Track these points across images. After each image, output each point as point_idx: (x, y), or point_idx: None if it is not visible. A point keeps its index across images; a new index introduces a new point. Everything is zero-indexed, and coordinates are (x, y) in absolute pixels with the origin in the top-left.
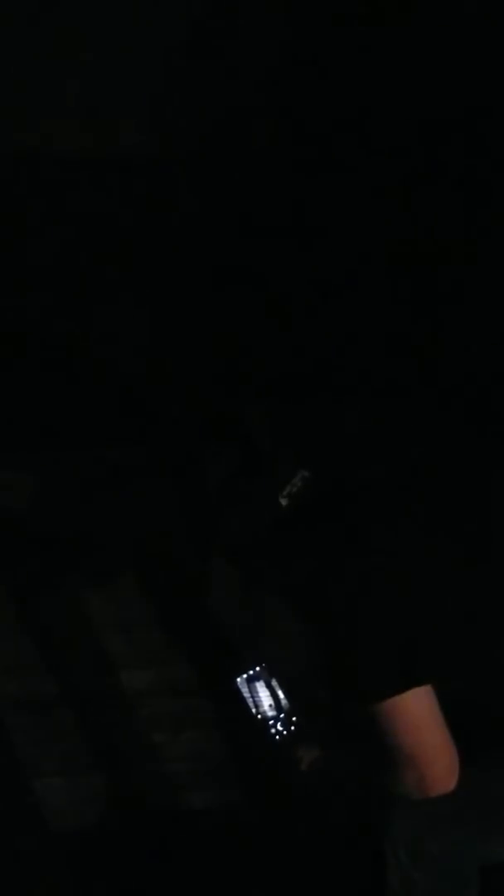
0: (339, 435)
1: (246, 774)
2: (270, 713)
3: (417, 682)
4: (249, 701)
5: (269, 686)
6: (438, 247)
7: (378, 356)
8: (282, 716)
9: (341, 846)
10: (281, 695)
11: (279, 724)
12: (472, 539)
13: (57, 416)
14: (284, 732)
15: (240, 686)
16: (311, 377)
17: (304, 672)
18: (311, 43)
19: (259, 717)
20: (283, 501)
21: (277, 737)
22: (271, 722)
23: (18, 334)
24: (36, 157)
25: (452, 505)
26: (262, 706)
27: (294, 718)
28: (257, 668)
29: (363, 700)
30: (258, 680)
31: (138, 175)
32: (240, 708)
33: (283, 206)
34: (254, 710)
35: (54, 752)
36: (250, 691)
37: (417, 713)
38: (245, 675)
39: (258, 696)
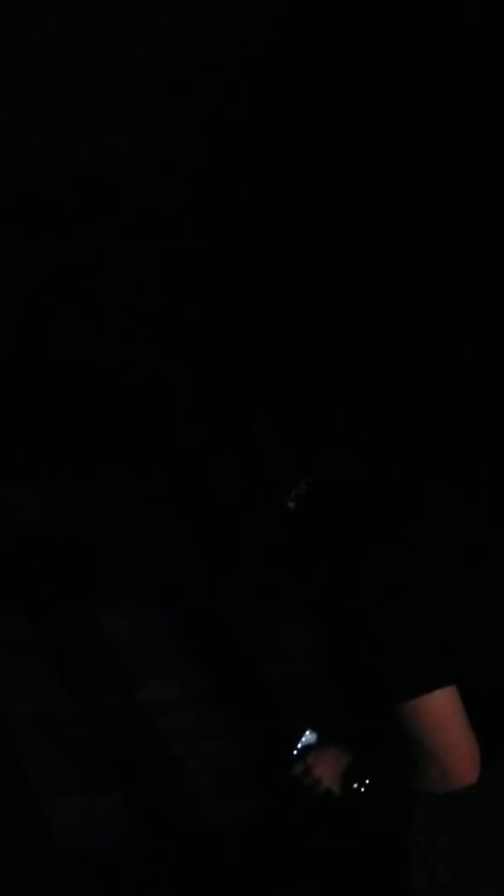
0: (342, 437)
1: (265, 786)
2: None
3: (443, 682)
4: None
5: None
6: (433, 250)
7: (383, 360)
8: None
9: (364, 851)
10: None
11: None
12: (493, 534)
13: (64, 431)
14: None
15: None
16: (314, 380)
17: (323, 679)
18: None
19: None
20: (292, 505)
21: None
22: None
23: (27, 348)
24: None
25: (469, 499)
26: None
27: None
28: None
29: (388, 700)
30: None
31: (133, 189)
32: (256, 720)
33: (278, 211)
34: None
35: (72, 770)
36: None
37: (441, 711)
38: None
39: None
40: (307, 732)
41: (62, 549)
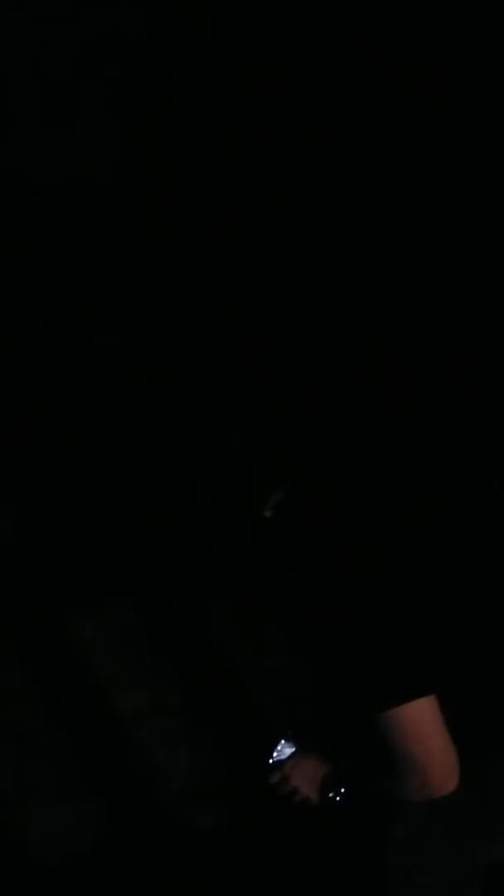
0: (318, 446)
1: (244, 794)
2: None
3: (421, 693)
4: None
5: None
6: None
7: (359, 371)
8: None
9: (343, 857)
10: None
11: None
12: (468, 544)
13: (36, 440)
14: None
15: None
16: (293, 391)
17: (302, 687)
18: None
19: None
20: (269, 513)
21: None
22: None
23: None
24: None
25: (443, 512)
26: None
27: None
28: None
29: (367, 709)
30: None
31: (119, 195)
32: (236, 729)
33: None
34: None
35: (49, 779)
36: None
37: (420, 721)
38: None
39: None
40: (282, 742)
41: (37, 558)
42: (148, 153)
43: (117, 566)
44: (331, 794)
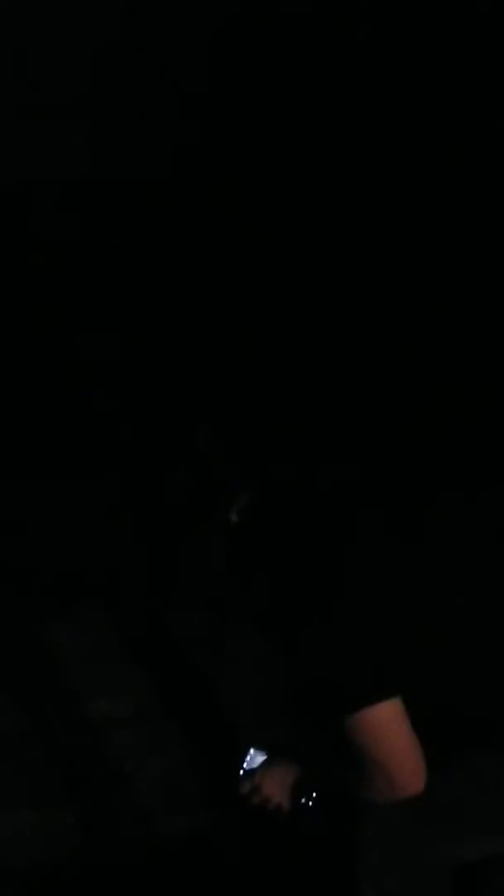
0: (283, 452)
1: (215, 800)
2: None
3: (386, 695)
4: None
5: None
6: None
7: (328, 379)
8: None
9: (314, 861)
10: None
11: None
12: (432, 547)
13: (7, 446)
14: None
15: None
16: (261, 393)
17: (272, 693)
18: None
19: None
20: (234, 518)
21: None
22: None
23: None
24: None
25: (408, 516)
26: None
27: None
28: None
29: (333, 712)
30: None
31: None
32: (206, 736)
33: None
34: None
35: (21, 786)
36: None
37: (386, 722)
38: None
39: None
40: (251, 751)
41: (8, 567)
42: (124, 152)
43: (90, 572)
44: (302, 800)
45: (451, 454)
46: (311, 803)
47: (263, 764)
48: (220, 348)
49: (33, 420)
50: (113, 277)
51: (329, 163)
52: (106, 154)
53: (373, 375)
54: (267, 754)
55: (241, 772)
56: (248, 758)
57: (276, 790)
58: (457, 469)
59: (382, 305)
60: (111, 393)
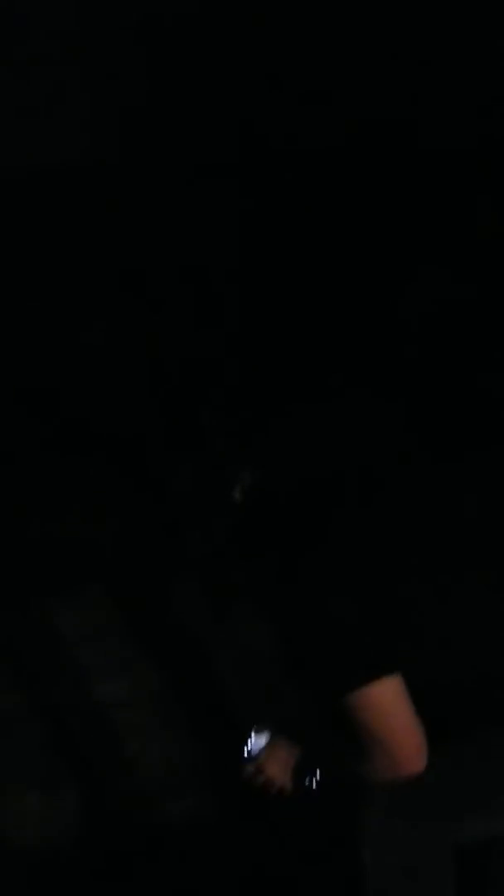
0: (286, 433)
1: (219, 781)
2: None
3: (385, 673)
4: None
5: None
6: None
7: (327, 360)
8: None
9: (317, 839)
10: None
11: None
12: (430, 527)
13: (10, 426)
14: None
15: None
16: (263, 374)
17: (276, 673)
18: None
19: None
20: (237, 496)
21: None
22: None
23: None
24: None
25: (406, 493)
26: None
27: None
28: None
29: (332, 692)
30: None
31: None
32: (209, 717)
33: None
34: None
35: (25, 768)
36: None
37: (386, 701)
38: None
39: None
40: (254, 733)
41: (12, 548)
42: (124, 141)
43: (94, 553)
44: (305, 782)
45: (441, 424)
46: (313, 785)
47: (266, 746)
48: (222, 327)
49: (38, 397)
50: (112, 255)
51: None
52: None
53: (365, 354)
54: (270, 736)
55: (245, 754)
56: (252, 740)
57: (279, 772)
58: (448, 440)
59: (378, 283)
60: (117, 373)
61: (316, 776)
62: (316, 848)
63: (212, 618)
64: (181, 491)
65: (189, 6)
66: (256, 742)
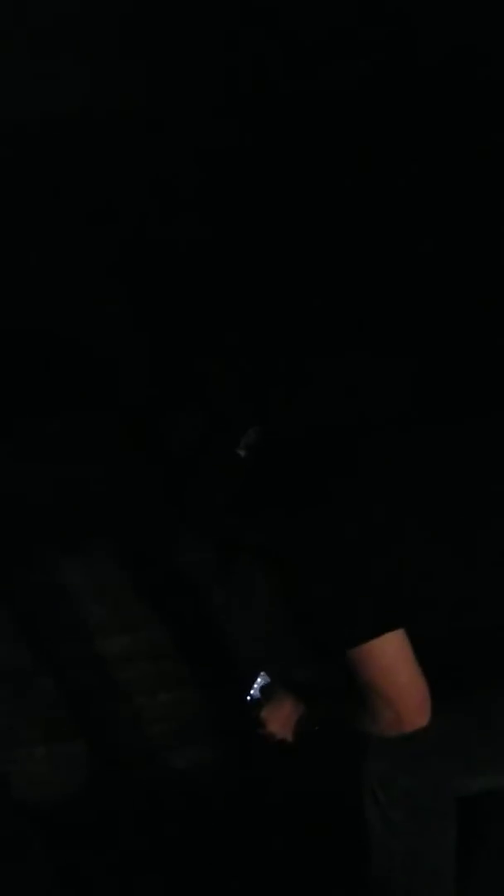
0: (291, 390)
1: (224, 732)
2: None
3: (389, 628)
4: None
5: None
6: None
7: (329, 318)
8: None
9: (323, 793)
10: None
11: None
12: (437, 483)
13: (18, 386)
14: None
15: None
16: (269, 332)
17: (281, 628)
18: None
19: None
20: (242, 453)
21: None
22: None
23: None
24: None
25: (413, 449)
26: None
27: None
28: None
29: (337, 646)
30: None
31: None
32: (215, 670)
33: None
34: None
35: (35, 721)
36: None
37: (390, 656)
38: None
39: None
40: (259, 678)
41: (20, 505)
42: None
43: (100, 509)
44: (308, 734)
45: (450, 382)
46: (316, 734)
47: (269, 695)
48: (228, 286)
49: (43, 354)
50: (120, 215)
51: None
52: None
53: (372, 309)
54: (273, 685)
55: (248, 697)
56: (256, 683)
57: (282, 727)
58: (457, 399)
59: (384, 246)
60: (124, 331)
61: (316, 729)
62: (320, 797)
63: (218, 572)
64: (186, 450)
65: None
66: (260, 685)
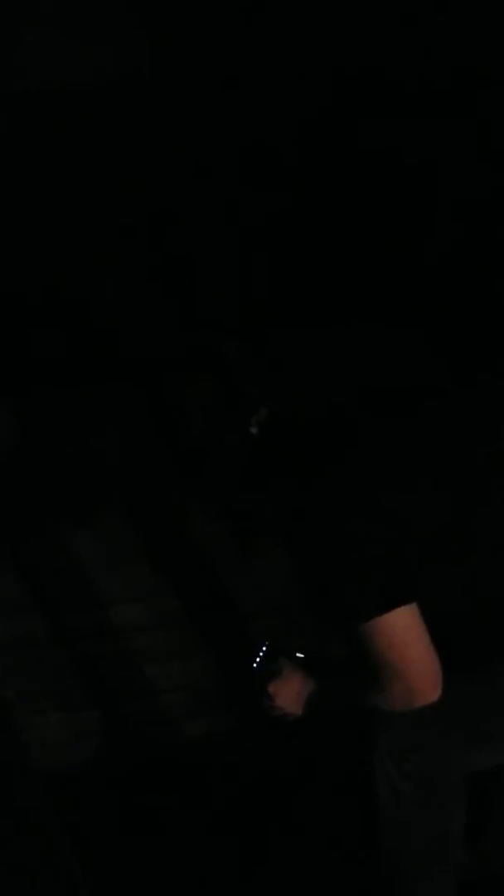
0: (301, 364)
1: (236, 702)
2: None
3: (401, 602)
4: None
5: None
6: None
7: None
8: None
9: (332, 765)
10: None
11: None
12: (449, 449)
13: (32, 356)
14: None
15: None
16: (281, 308)
17: (292, 600)
18: None
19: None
20: (254, 430)
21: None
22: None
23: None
24: None
25: (425, 420)
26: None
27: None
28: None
29: (349, 620)
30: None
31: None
32: (226, 641)
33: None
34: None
35: (48, 689)
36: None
37: (402, 630)
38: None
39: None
40: (265, 648)
41: (33, 475)
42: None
43: (113, 479)
44: (318, 709)
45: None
46: (325, 710)
47: (279, 668)
48: (243, 263)
49: (62, 327)
50: (140, 184)
51: None
52: None
53: (383, 280)
54: (284, 659)
55: (254, 665)
56: (262, 652)
57: (292, 701)
58: (469, 366)
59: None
60: (142, 304)
61: (327, 704)
62: (331, 772)
63: (230, 545)
64: (198, 426)
65: None
66: (268, 654)
